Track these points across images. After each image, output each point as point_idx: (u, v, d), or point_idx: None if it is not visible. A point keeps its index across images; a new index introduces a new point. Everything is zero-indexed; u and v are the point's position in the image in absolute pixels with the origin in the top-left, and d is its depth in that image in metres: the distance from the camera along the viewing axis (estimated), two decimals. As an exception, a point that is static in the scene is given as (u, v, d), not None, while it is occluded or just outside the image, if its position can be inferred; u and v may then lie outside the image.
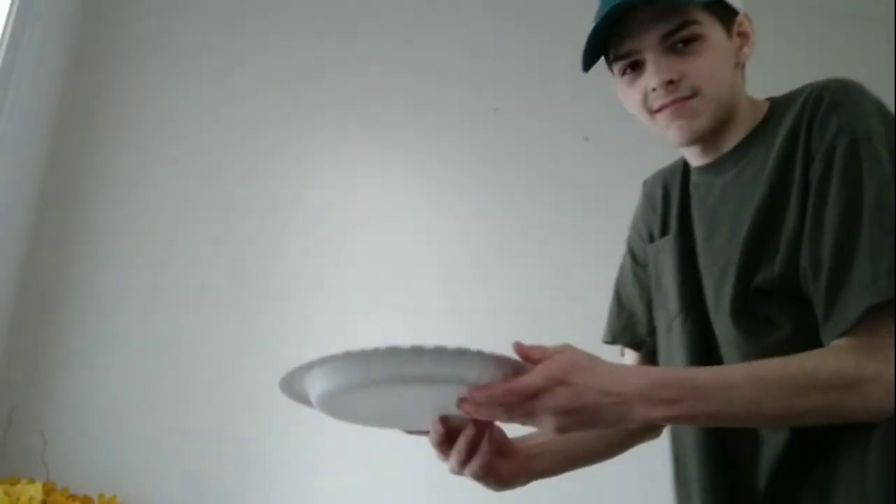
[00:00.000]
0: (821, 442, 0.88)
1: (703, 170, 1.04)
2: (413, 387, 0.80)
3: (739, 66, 1.02)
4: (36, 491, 1.92)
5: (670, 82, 0.97)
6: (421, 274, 2.49)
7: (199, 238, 2.44)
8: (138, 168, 2.48)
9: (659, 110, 0.99)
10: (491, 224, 2.59)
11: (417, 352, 0.77)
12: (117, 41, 2.58)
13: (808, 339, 0.86)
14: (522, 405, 0.78)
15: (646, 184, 1.21)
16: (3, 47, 2.12)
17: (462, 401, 0.79)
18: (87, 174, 2.45)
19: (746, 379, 0.83)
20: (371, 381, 0.79)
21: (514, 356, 0.80)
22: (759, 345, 0.91)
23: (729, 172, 1.00)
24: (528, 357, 0.79)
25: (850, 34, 2.94)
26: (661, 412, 0.80)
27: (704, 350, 1.00)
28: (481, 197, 2.60)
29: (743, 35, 1.02)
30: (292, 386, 0.86)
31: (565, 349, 0.80)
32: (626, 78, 1.02)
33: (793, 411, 0.82)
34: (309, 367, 0.81)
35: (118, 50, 2.57)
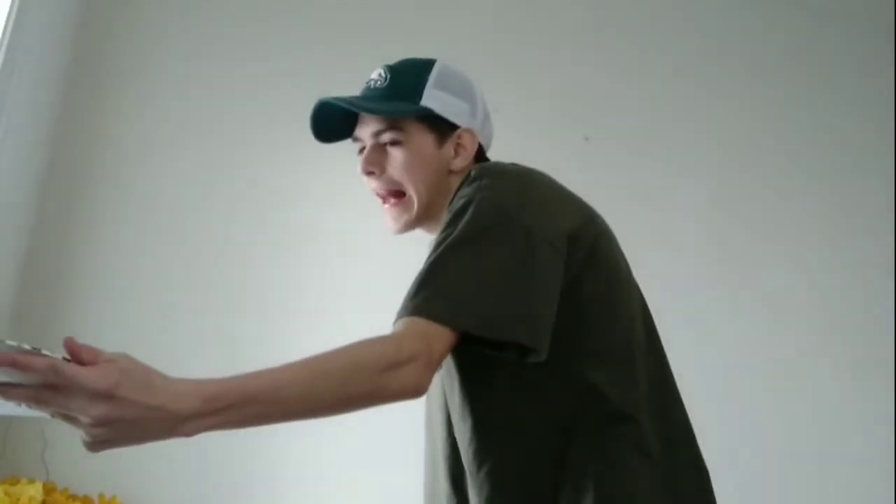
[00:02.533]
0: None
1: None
2: None
3: (454, 172, 1.15)
4: (36, 491, 1.92)
5: (371, 172, 1.15)
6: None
7: (199, 238, 2.44)
8: (139, 168, 2.48)
9: (383, 200, 1.18)
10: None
11: None
12: (117, 42, 2.58)
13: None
14: (59, 398, 0.72)
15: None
16: (4, 47, 2.12)
17: None
18: (87, 174, 2.45)
19: (297, 375, 0.86)
20: None
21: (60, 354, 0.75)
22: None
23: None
24: (78, 356, 0.74)
25: (850, 34, 2.94)
26: (213, 421, 0.81)
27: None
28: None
29: (461, 146, 1.16)
30: None
31: (122, 358, 0.77)
32: (360, 153, 1.19)
33: (344, 398, 0.87)
34: None
35: (118, 51, 2.58)
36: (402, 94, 1.14)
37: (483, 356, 0.95)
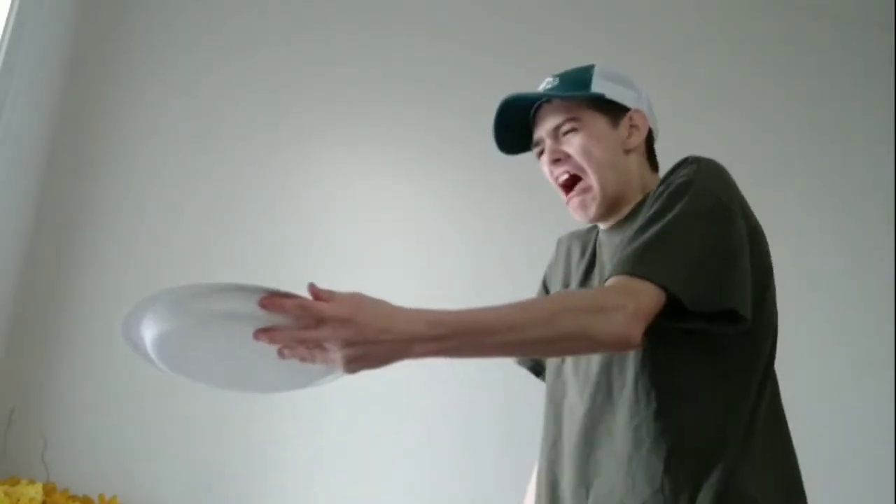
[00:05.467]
0: None
1: (607, 231, 1.28)
2: (225, 328, 0.88)
3: (631, 152, 1.26)
4: (36, 492, 1.91)
5: (557, 160, 1.26)
6: (422, 275, 2.49)
7: (200, 239, 2.44)
8: (139, 168, 2.48)
9: (566, 191, 1.27)
10: (492, 224, 2.59)
11: (215, 288, 0.86)
12: (117, 42, 2.58)
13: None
14: (311, 332, 0.87)
15: (560, 241, 1.44)
16: (4, 48, 2.11)
17: (258, 332, 0.88)
18: (86, 174, 2.45)
19: (510, 311, 0.98)
20: (184, 318, 0.87)
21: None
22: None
23: (627, 231, 1.19)
24: (318, 296, 0.88)
25: (850, 34, 2.94)
26: (435, 347, 0.92)
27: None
28: (482, 196, 2.60)
29: (633, 127, 1.26)
30: (134, 341, 0.94)
31: (353, 293, 0.90)
32: (540, 158, 1.31)
33: (550, 334, 0.97)
34: (134, 316, 0.90)
35: (118, 50, 2.57)
36: (574, 87, 1.26)
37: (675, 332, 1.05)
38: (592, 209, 1.25)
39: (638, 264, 1.02)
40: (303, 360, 0.91)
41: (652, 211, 1.10)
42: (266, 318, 0.86)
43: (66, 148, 2.45)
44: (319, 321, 0.87)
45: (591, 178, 1.23)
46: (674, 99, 2.74)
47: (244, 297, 0.86)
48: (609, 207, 1.25)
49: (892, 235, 2.71)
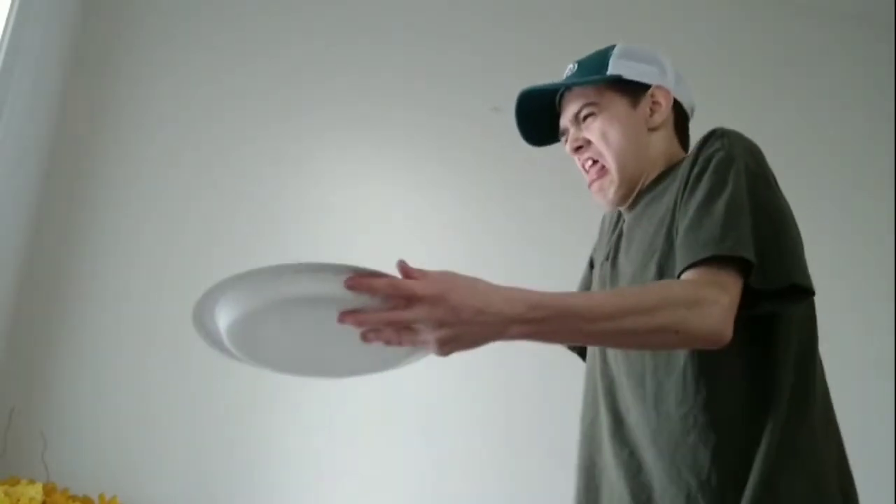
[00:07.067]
0: None
1: (628, 209, 1.27)
2: (306, 311, 0.82)
3: (655, 129, 1.24)
4: (36, 491, 1.91)
5: (578, 148, 1.25)
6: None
7: (200, 238, 2.44)
8: (139, 168, 2.48)
9: (589, 184, 1.27)
10: (491, 225, 2.59)
11: (297, 268, 0.80)
12: (117, 41, 2.58)
13: None
14: (402, 312, 0.82)
15: (603, 219, 1.42)
16: (4, 48, 2.11)
17: (344, 314, 0.82)
18: (87, 174, 2.45)
19: (609, 299, 0.98)
20: (263, 301, 0.81)
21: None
22: None
23: (644, 200, 1.22)
24: (408, 273, 0.84)
25: (850, 34, 2.94)
26: (532, 329, 0.88)
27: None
28: (481, 197, 2.60)
29: (656, 104, 1.24)
30: (206, 326, 0.91)
31: (446, 271, 0.86)
32: (566, 145, 1.30)
33: (648, 325, 0.93)
34: (207, 301, 0.84)
35: (118, 50, 2.58)
36: (591, 72, 1.25)
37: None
38: (611, 192, 1.23)
39: (720, 245, 0.99)
40: (388, 343, 0.85)
41: (705, 191, 1.05)
42: (352, 300, 0.80)
43: (67, 148, 2.45)
44: (410, 301, 0.82)
45: (609, 162, 1.22)
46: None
47: (329, 278, 0.80)
48: (629, 190, 1.23)
49: (892, 235, 2.71)
